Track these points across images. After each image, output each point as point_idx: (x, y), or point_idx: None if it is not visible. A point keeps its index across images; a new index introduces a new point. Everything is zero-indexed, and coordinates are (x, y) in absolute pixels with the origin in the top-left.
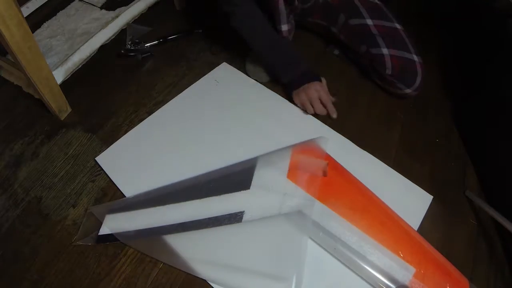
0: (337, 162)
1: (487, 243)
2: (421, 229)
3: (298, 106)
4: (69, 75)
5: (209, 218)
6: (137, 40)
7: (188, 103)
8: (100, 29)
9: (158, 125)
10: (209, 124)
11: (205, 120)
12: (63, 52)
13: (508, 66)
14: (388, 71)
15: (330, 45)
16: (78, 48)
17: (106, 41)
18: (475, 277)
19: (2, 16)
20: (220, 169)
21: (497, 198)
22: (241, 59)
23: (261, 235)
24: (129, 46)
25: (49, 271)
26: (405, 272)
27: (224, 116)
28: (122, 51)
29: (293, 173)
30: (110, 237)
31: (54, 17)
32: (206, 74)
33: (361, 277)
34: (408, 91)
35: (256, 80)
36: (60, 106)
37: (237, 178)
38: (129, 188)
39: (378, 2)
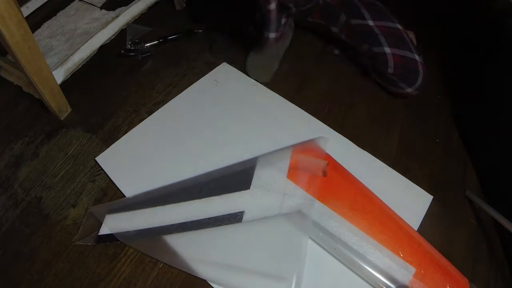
0: (337, 162)
1: (487, 243)
2: (421, 229)
3: None
4: (69, 75)
5: (209, 218)
6: (137, 40)
7: (188, 103)
8: (100, 29)
9: (158, 125)
10: (209, 124)
11: (205, 120)
12: (63, 52)
13: (508, 66)
14: (390, 70)
15: (330, 45)
16: (78, 48)
17: (106, 41)
18: (475, 277)
19: (2, 16)
20: (220, 169)
21: (497, 198)
22: (241, 59)
23: (261, 235)
24: (129, 46)
25: (49, 271)
26: (405, 272)
27: (224, 116)
28: (122, 51)
29: (293, 173)
30: (110, 237)
31: (54, 17)
32: (206, 74)
33: (361, 277)
34: (409, 90)
35: (256, 80)
36: (60, 106)
37: (237, 178)
38: (129, 188)
39: (378, 3)
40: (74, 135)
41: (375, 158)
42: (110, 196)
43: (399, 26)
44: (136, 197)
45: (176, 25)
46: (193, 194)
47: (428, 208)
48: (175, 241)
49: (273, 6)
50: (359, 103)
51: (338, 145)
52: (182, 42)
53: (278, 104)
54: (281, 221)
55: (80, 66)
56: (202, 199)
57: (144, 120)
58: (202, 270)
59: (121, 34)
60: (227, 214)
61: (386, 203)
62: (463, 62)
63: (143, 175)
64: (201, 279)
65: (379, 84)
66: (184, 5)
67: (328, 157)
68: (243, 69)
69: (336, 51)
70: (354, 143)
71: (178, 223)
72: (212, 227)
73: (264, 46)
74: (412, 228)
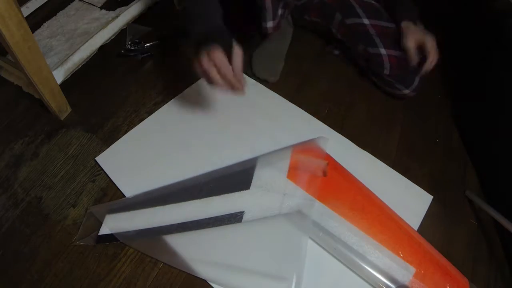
0: (337, 162)
1: (487, 243)
2: (421, 229)
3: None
4: (69, 75)
5: (209, 218)
6: (137, 40)
7: (188, 103)
8: (100, 29)
9: (158, 125)
10: (209, 124)
11: (205, 120)
12: (63, 52)
13: (508, 66)
14: (386, 71)
15: (330, 45)
16: (78, 48)
17: (106, 41)
18: (475, 277)
19: (2, 16)
20: (220, 169)
21: (497, 198)
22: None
23: (261, 235)
24: (129, 46)
25: (49, 271)
26: (405, 272)
27: (224, 116)
28: (122, 51)
29: (293, 173)
30: (110, 237)
31: (54, 17)
32: None
33: (361, 277)
34: (406, 91)
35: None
36: (60, 106)
37: (237, 178)
38: (129, 188)
39: (374, 2)
40: (74, 135)
41: (375, 158)
42: (110, 196)
43: (395, 26)
44: (136, 197)
45: (176, 25)
46: (193, 194)
47: (428, 208)
48: (175, 241)
49: None
50: (359, 103)
51: (338, 145)
52: (182, 42)
53: (278, 104)
54: (281, 221)
55: (80, 66)
56: (202, 199)
57: (144, 120)
58: (202, 270)
59: (121, 34)
60: (227, 214)
61: (386, 203)
62: (463, 62)
63: (143, 175)
64: (201, 279)
65: (376, 84)
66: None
67: (328, 157)
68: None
69: (336, 51)
70: (354, 143)
71: (178, 223)
72: (212, 227)
73: (263, 38)
74: (412, 228)
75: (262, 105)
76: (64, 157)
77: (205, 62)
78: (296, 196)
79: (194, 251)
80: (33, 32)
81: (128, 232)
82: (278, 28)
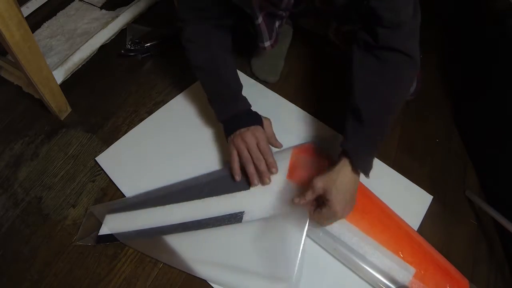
0: None
1: (487, 243)
2: (421, 229)
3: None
4: (69, 75)
5: (209, 218)
6: (137, 40)
7: (188, 103)
8: (100, 29)
9: (158, 125)
10: (209, 124)
11: (205, 120)
12: (63, 52)
13: (508, 66)
14: None
15: (330, 45)
16: (78, 48)
17: (106, 41)
18: (475, 277)
19: (2, 16)
20: (220, 169)
21: (497, 198)
22: (242, 59)
23: (261, 235)
24: (129, 46)
25: (49, 271)
26: (405, 272)
27: None
28: (122, 51)
29: (293, 173)
30: (110, 237)
31: (54, 17)
32: None
33: (361, 278)
34: None
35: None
36: (60, 106)
37: None
38: (129, 188)
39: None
40: (74, 135)
41: (375, 158)
42: (110, 196)
43: None
44: (136, 197)
45: (176, 25)
46: (193, 194)
47: (428, 208)
48: (175, 241)
49: (260, 20)
50: None
51: (338, 146)
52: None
53: (278, 104)
54: (281, 221)
55: (80, 66)
56: (202, 199)
57: (144, 120)
58: (202, 270)
59: (121, 34)
60: (227, 215)
61: (386, 203)
62: (463, 62)
63: (143, 175)
64: (201, 279)
65: None
66: None
67: (328, 158)
68: (244, 69)
69: (336, 52)
70: None
71: (178, 223)
72: (212, 227)
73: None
74: (412, 229)
75: (262, 105)
76: (64, 157)
77: (243, 143)
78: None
79: (194, 251)
80: (33, 32)
81: (128, 232)
82: (276, 42)
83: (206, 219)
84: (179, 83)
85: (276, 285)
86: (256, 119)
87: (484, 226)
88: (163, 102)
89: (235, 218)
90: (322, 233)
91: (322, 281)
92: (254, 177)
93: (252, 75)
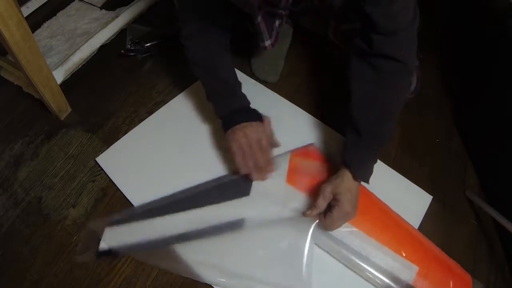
0: None
1: (487, 243)
2: (421, 229)
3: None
4: (69, 75)
5: (210, 227)
6: (137, 40)
7: (188, 103)
8: (100, 29)
9: (158, 125)
10: (209, 124)
11: (205, 120)
12: (63, 52)
13: (508, 66)
14: None
15: (330, 45)
16: (78, 48)
17: (106, 41)
18: (475, 277)
19: (2, 16)
20: (219, 177)
21: (497, 198)
22: (242, 58)
23: (263, 241)
24: (129, 46)
25: (49, 271)
26: (409, 271)
27: None
28: (122, 51)
29: (292, 177)
30: (110, 252)
31: (54, 17)
32: None
33: (365, 278)
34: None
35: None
36: (60, 106)
37: (236, 185)
38: (129, 188)
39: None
40: (74, 135)
41: None
42: (110, 196)
43: None
44: (134, 209)
45: (176, 25)
46: (193, 203)
47: (428, 208)
48: (175, 249)
49: (259, 19)
50: None
51: (338, 146)
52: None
53: (278, 104)
54: (283, 226)
55: (80, 66)
56: (203, 208)
57: (144, 120)
58: (207, 276)
59: (121, 34)
60: (228, 222)
61: (386, 203)
62: (463, 62)
63: (143, 175)
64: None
65: None
66: None
67: (327, 161)
68: (244, 68)
69: (336, 52)
70: None
71: (179, 234)
72: (214, 236)
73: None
74: (413, 227)
75: (262, 105)
76: (64, 157)
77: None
78: (297, 200)
79: (195, 257)
80: (33, 32)
81: (128, 245)
82: (277, 41)
83: (207, 227)
84: (179, 83)
85: None
86: (257, 116)
87: (484, 226)
88: (163, 102)
89: (236, 225)
90: (324, 236)
91: (323, 281)
92: (254, 172)
93: (252, 75)
